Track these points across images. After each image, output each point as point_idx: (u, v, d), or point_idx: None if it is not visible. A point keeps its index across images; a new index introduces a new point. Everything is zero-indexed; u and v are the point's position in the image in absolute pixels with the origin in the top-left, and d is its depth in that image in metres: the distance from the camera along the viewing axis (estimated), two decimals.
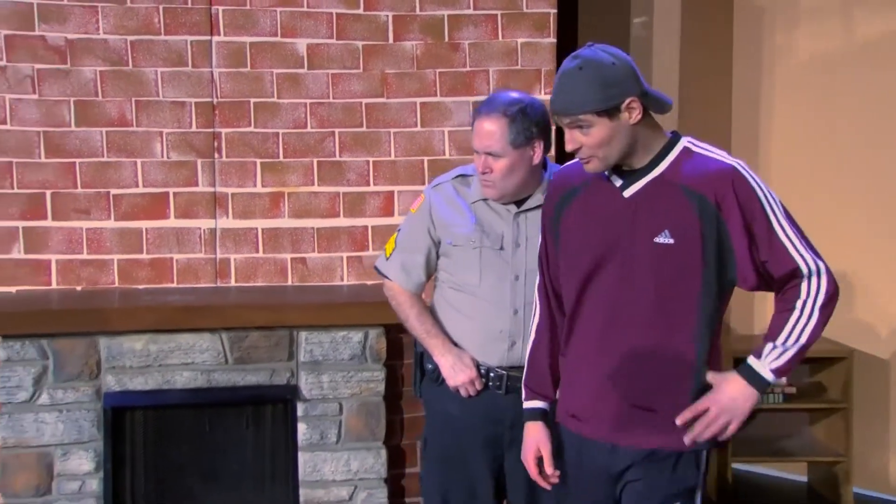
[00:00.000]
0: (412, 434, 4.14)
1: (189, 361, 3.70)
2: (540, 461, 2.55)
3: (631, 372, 2.38)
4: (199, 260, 4.00)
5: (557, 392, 2.58)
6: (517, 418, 2.75)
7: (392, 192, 4.15)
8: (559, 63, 4.25)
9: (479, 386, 2.94)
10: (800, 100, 4.87)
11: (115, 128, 3.90)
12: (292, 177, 4.09)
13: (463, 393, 2.95)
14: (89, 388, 3.64)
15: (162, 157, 3.96)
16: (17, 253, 3.84)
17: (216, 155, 4.01)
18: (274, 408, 3.92)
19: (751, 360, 2.31)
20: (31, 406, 3.59)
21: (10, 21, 3.84)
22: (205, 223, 4.01)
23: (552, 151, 4.10)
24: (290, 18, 4.04)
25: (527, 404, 2.60)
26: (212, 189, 4.02)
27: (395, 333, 4.03)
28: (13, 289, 3.84)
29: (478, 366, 2.94)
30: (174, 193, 3.96)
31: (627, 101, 2.27)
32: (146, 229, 3.95)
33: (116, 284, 3.93)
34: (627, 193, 2.37)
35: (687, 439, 2.29)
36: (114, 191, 3.92)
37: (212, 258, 4.03)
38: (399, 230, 3.11)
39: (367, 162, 4.13)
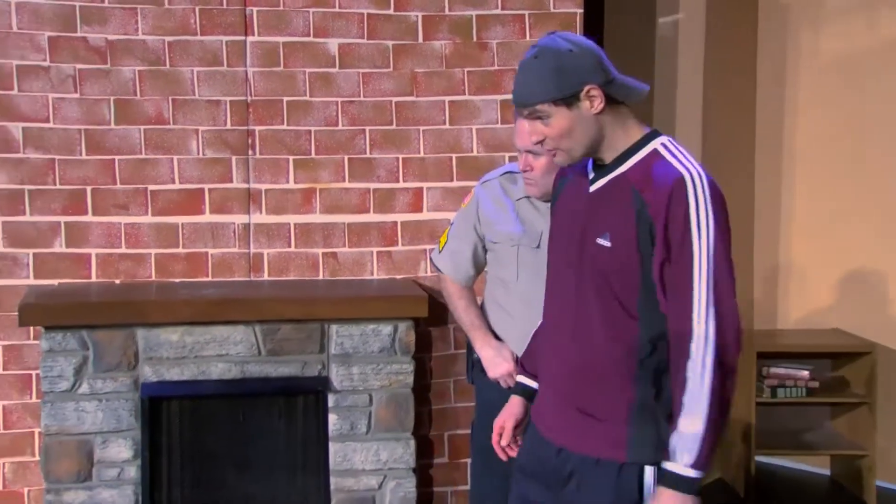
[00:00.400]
0: (440, 425, 4.21)
1: (223, 353, 3.75)
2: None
3: (575, 376, 2.26)
4: (234, 254, 4.03)
5: None
6: None
7: (421, 189, 4.17)
8: None
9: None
10: (824, 99, 4.85)
11: (153, 126, 3.94)
12: (324, 173, 4.10)
13: (503, 384, 3.01)
14: (127, 378, 3.69)
15: (198, 154, 3.99)
16: (59, 247, 3.90)
17: (250, 152, 4.04)
18: (305, 399, 3.94)
19: (665, 465, 2.10)
20: (72, 395, 3.65)
21: (54, 23, 3.87)
22: (239, 218, 4.05)
23: None
24: (322, 19, 4.06)
25: (517, 378, 2.57)
26: (246, 185, 4.05)
27: (424, 327, 4.10)
28: (55, 281, 3.89)
29: (517, 359, 2.94)
30: (209, 189, 4.00)
31: (586, 89, 2.12)
32: (182, 224, 3.99)
33: (153, 278, 3.98)
34: (593, 189, 2.25)
35: None
36: (151, 187, 3.96)
37: (245, 253, 4.06)
38: (451, 224, 3.19)
39: (397, 159, 4.15)
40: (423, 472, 4.14)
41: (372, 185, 4.14)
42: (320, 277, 4.13)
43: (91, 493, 3.67)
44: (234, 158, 4.03)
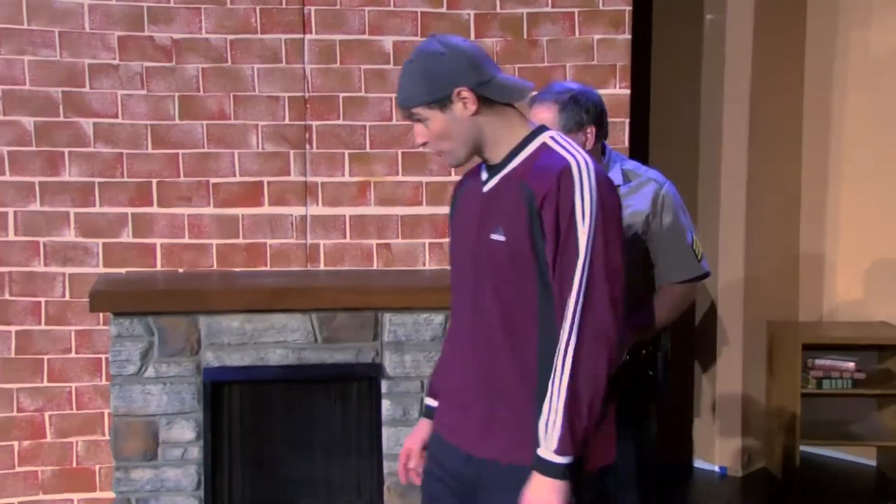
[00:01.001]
0: None
1: (281, 340, 3.78)
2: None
3: (479, 381, 2.20)
4: (291, 245, 4.07)
5: None
6: None
7: None
8: (634, 58, 4.29)
9: None
10: (872, 94, 4.79)
11: (215, 121, 3.98)
12: (378, 167, 4.13)
13: None
14: (190, 363, 3.74)
15: (257, 148, 4.04)
16: (127, 237, 3.98)
17: (307, 146, 4.08)
18: (359, 385, 3.95)
19: (537, 450, 2.06)
20: (138, 378, 3.71)
21: (123, 23, 3.93)
22: (296, 210, 4.08)
23: (625, 143, 4.17)
24: (377, 17, 4.07)
25: (425, 401, 2.46)
26: (303, 178, 4.09)
27: None
28: (123, 270, 3.98)
29: None
30: (268, 182, 4.05)
31: (457, 91, 2.10)
32: (242, 216, 4.04)
33: (215, 267, 4.04)
34: (486, 189, 2.21)
35: None
36: (213, 180, 4.02)
37: (302, 243, 4.10)
38: None
39: None
40: None
41: (424, 179, 4.15)
42: (374, 267, 4.15)
43: (157, 472, 3.74)
44: (291, 152, 4.07)
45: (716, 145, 4.75)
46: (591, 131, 2.84)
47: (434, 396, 2.41)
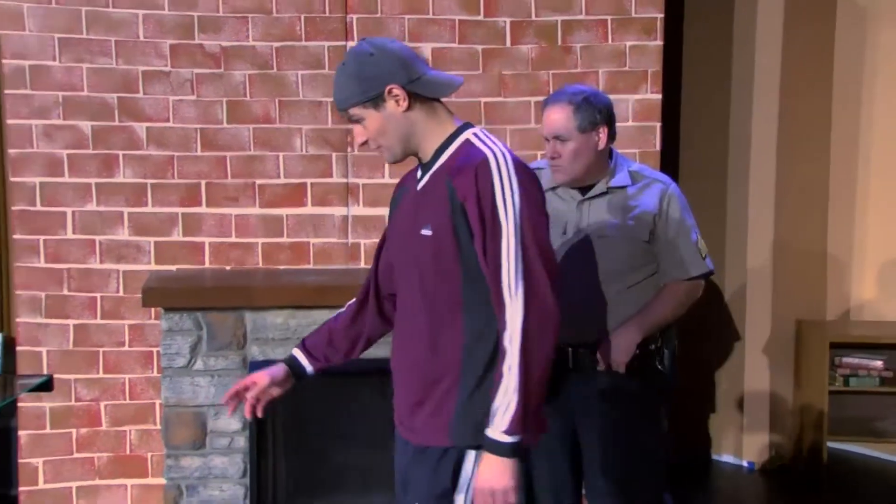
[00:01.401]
0: None
1: None
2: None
3: (411, 370, 2.26)
4: (333, 244, 4.11)
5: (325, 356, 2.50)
6: (585, 392, 2.90)
7: None
8: (666, 64, 4.31)
9: None
10: None
11: (261, 125, 4.02)
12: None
13: None
14: (237, 356, 3.78)
15: (301, 151, 4.08)
16: (177, 235, 4.04)
17: (349, 149, 4.10)
18: None
19: (486, 431, 2.10)
20: (188, 371, 3.76)
21: (175, 32, 3.99)
22: (338, 211, 4.12)
23: (657, 147, 4.19)
24: (417, 25, 4.08)
25: (293, 351, 2.52)
26: (345, 180, 4.13)
27: None
28: (173, 267, 4.04)
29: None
30: (311, 184, 4.09)
31: (388, 88, 2.15)
32: (286, 216, 4.09)
33: (260, 265, 4.09)
34: (419, 187, 2.26)
35: None
36: (259, 181, 4.07)
37: (344, 242, 4.14)
38: None
39: None
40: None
41: None
42: None
43: (205, 460, 3.79)
44: (334, 155, 4.10)
45: (745, 147, 4.76)
46: (603, 131, 2.88)
47: (305, 353, 2.49)
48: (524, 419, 2.09)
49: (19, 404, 3.92)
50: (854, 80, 4.87)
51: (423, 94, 2.20)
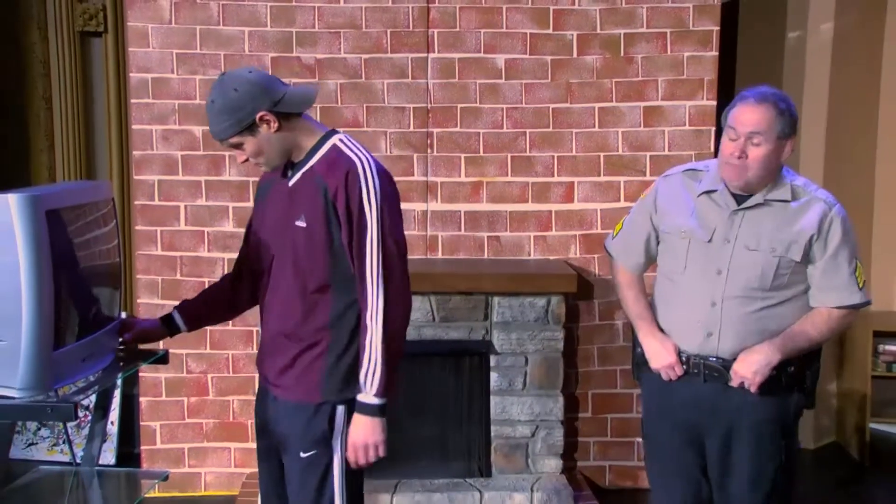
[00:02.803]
0: (585, 385, 4.30)
1: None
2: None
3: (280, 339, 2.48)
4: (414, 236, 4.14)
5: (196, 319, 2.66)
6: (717, 406, 2.69)
7: (573, 183, 4.25)
8: (721, 73, 4.38)
9: (679, 371, 2.73)
10: None
11: (350, 128, 4.03)
12: (490, 168, 4.22)
13: (664, 376, 2.77)
14: None
15: (386, 152, 4.16)
16: None
17: (429, 150, 4.20)
18: (471, 359, 4.05)
19: (357, 396, 2.39)
20: None
21: (276, 46, 4.12)
22: (419, 206, 4.21)
23: (711, 149, 4.18)
24: (492, 38, 4.16)
25: (173, 310, 2.66)
26: (425, 178, 4.22)
27: (573, 301, 4.17)
28: None
29: (680, 352, 2.74)
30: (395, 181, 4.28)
31: (258, 116, 2.33)
32: None
33: None
34: (290, 184, 2.46)
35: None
36: None
37: (423, 235, 4.23)
38: (629, 213, 2.97)
39: (552, 157, 4.23)
40: (570, 424, 4.24)
41: (531, 179, 4.24)
42: (485, 257, 4.22)
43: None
44: (415, 156, 4.20)
45: (794, 153, 4.79)
46: (791, 143, 2.66)
47: (181, 313, 2.66)
48: (388, 384, 2.38)
49: (140, 375, 4.21)
50: None
51: (289, 112, 2.40)
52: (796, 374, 2.70)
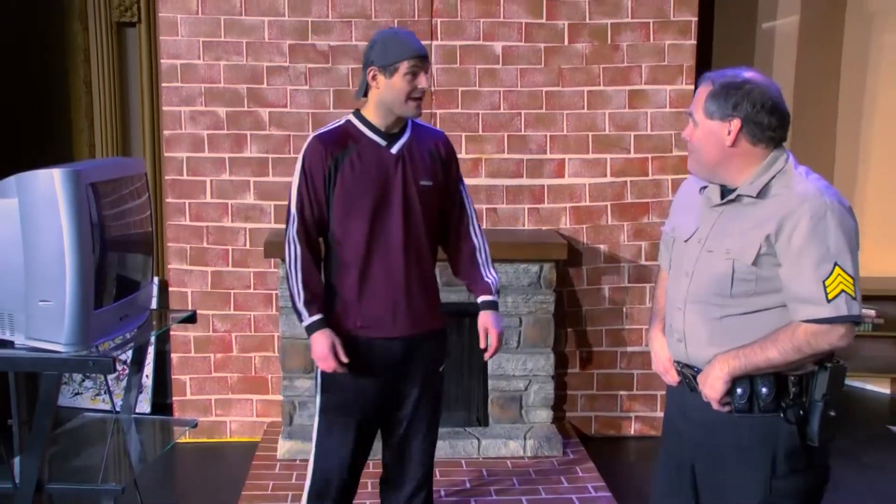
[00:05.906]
0: (573, 343, 4.29)
1: None
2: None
3: (410, 286, 2.62)
4: None
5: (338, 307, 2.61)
6: (703, 419, 2.14)
7: (564, 159, 4.22)
8: (698, 60, 4.33)
9: (672, 378, 2.25)
10: None
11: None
12: (488, 146, 4.20)
13: (663, 377, 2.30)
14: None
15: None
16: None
17: None
18: (471, 320, 3.65)
19: (487, 298, 2.73)
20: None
21: (293, 34, 4.09)
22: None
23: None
24: (490, 27, 4.13)
25: (313, 318, 2.58)
26: None
27: (564, 267, 4.15)
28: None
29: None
30: None
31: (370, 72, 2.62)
32: None
33: None
34: (394, 151, 2.60)
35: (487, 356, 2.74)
36: None
37: None
38: None
39: (545, 136, 4.21)
40: (560, 379, 4.25)
41: (525, 156, 4.22)
42: (484, 227, 3.94)
43: (314, 382, 3.86)
44: None
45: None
46: (734, 124, 2.05)
47: (321, 312, 2.64)
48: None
49: (171, 333, 4.22)
50: (859, 77, 4.84)
51: None
52: (777, 396, 2.05)
